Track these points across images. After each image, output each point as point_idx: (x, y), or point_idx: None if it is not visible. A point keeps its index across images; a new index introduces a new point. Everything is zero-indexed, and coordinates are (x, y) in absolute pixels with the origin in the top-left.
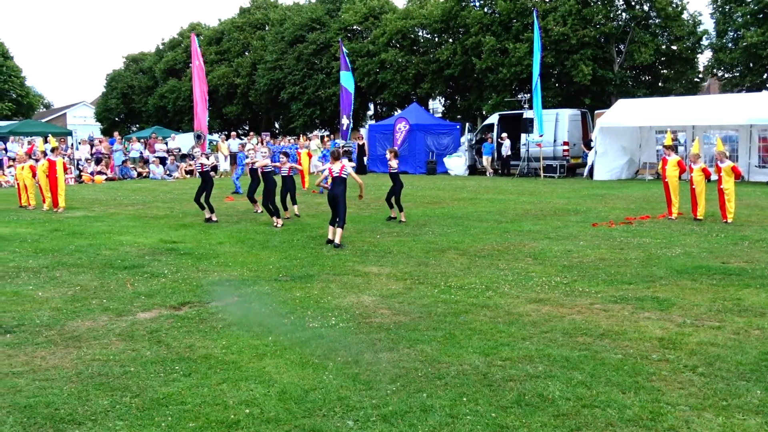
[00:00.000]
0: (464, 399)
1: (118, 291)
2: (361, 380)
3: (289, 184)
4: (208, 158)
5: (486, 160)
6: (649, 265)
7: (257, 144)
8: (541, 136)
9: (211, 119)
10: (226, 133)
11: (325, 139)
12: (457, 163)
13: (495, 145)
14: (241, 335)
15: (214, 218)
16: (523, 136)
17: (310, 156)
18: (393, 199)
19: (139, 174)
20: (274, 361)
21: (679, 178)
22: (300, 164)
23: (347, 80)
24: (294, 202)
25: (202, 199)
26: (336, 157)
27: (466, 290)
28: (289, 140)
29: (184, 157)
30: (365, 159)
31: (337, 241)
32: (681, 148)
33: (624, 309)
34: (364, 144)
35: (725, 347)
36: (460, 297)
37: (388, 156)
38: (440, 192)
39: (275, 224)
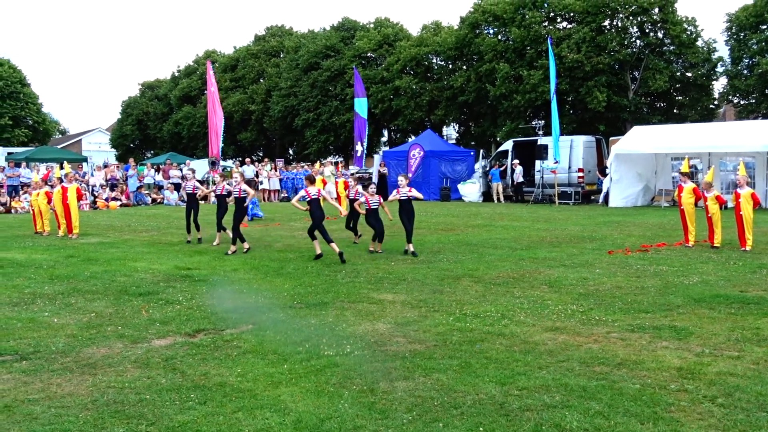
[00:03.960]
0: (481, 429)
1: (133, 318)
2: (377, 409)
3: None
4: (229, 184)
5: (495, 186)
6: (666, 294)
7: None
8: (557, 162)
9: (225, 145)
10: (240, 159)
11: (339, 165)
12: (471, 190)
13: (499, 171)
14: (256, 363)
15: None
16: (538, 162)
17: (324, 183)
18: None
19: (154, 200)
20: (289, 390)
21: (695, 205)
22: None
23: (361, 107)
24: (218, 229)
25: (224, 224)
26: (311, 181)
27: (482, 318)
28: (302, 166)
29: (202, 183)
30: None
31: (317, 251)
32: (699, 175)
33: (641, 338)
34: (386, 171)
35: (745, 377)
36: (476, 325)
37: (400, 181)
38: (454, 219)
39: (243, 249)
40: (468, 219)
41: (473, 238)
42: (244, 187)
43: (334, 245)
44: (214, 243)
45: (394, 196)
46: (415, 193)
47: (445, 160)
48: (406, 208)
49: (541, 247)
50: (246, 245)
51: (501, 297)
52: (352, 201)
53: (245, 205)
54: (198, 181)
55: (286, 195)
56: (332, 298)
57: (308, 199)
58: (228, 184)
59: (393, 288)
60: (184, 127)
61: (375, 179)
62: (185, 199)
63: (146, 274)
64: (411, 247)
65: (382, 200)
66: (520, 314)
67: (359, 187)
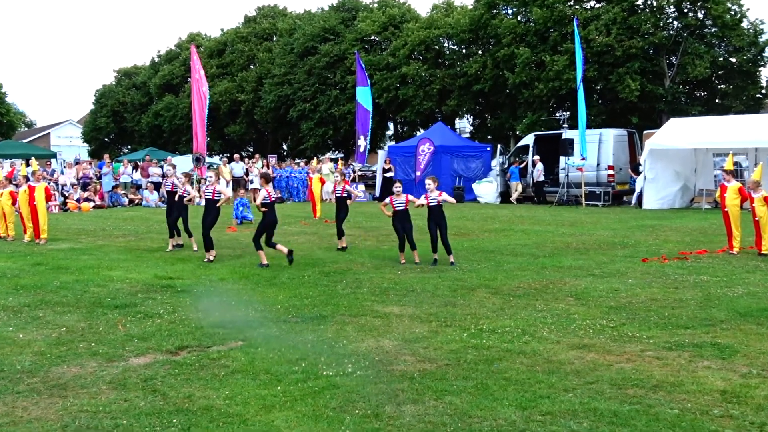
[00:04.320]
0: None
1: (108, 333)
2: None
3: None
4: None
5: (514, 186)
6: (707, 307)
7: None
8: (583, 158)
9: (211, 140)
10: (228, 155)
11: (339, 162)
12: (487, 190)
13: (519, 168)
14: (246, 384)
15: (178, 243)
16: (562, 159)
17: (322, 182)
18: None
19: (131, 201)
20: (283, 414)
21: (741, 207)
22: (311, 191)
23: (364, 96)
24: (171, 234)
25: (183, 225)
26: (267, 180)
27: (500, 334)
28: (298, 163)
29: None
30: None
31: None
32: (745, 173)
33: (680, 357)
34: (391, 169)
35: None
36: (493, 342)
37: (429, 185)
38: (468, 222)
39: (205, 258)
40: (484, 222)
41: (490, 244)
42: (220, 188)
43: (280, 246)
44: (195, 248)
45: (421, 201)
46: (446, 197)
47: (458, 157)
48: (436, 215)
49: (566, 255)
50: (211, 255)
51: (521, 310)
52: (340, 199)
53: (218, 206)
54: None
55: (279, 195)
56: (332, 312)
57: (268, 201)
58: (205, 182)
59: (400, 300)
60: (165, 119)
61: (379, 178)
62: (166, 199)
63: (123, 284)
64: (451, 258)
65: (410, 199)
66: (542, 330)
67: (346, 182)
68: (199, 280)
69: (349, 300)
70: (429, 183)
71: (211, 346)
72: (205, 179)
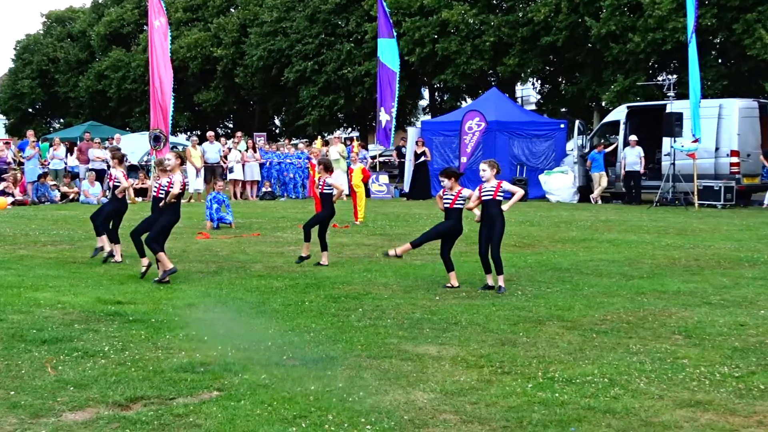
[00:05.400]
0: None
1: (34, 378)
2: None
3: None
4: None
5: (597, 178)
6: None
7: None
8: (696, 140)
9: (176, 112)
10: (199, 133)
11: (354, 143)
12: (560, 183)
13: (605, 154)
14: None
15: (117, 257)
16: (666, 141)
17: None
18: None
19: (64, 196)
20: None
21: None
22: (313, 182)
23: (388, 52)
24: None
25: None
26: (328, 168)
27: (578, 385)
28: (295, 145)
29: (133, 170)
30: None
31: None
32: None
33: None
34: (425, 153)
35: None
36: (569, 396)
37: (484, 171)
38: (534, 228)
39: (142, 267)
40: (556, 229)
41: (564, 260)
42: (176, 178)
43: (144, 260)
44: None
45: (475, 197)
46: (510, 188)
47: (520, 137)
48: (489, 214)
49: (671, 275)
50: (144, 262)
51: (608, 352)
52: (323, 197)
53: (162, 205)
54: (128, 167)
55: (269, 189)
56: (343, 351)
57: (331, 191)
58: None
59: (438, 336)
60: (112, 83)
61: (408, 167)
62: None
63: (54, 311)
64: (500, 281)
65: (461, 194)
66: (638, 380)
67: (365, 172)
68: (158, 305)
69: (368, 335)
70: (485, 169)
71: (176, 397)
72: (154, 165)
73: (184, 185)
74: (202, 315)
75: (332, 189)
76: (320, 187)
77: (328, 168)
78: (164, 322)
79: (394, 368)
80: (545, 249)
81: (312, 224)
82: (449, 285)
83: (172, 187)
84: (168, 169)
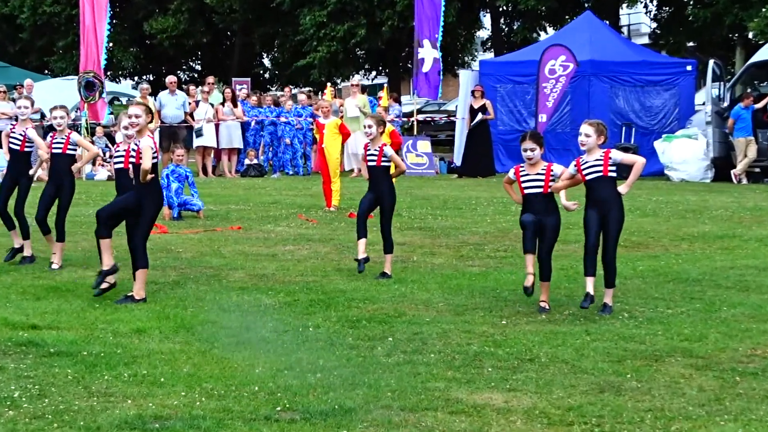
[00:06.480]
0: None
1: None
2: None
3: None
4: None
5: (740, 146)
6: None
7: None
8: None
9: (117, 47)
10: (150, 78)
11: (384, 94)
12: (686, 153)
13: (752, 110)
14: None
15: (26, 251)
16: None
17: (344, 131)
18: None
19: None
20: None
21: None
22: (321, 152)
23: None
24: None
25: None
26: (382, 125)
27: None
28: (294, 97)
29: (49, 132)
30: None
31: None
32: None
33: None
34: (485, 108)
35: None
36: None
37: (585, 138)
38: (649, 220)
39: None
40: (679, 221)
41: (692, 267)
42: (144, 144)
43: (107, 261)
44: (54, 264)
45: (568, 176)
46: (622, 156)
47: (626, 85)
48: (599, 197)
49: None
50: (55, 257)
51: (759, 403)
52: (375, 169)
53: (142, 179)
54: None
55: (255, 160)
56: (365, 400)
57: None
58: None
59: (506, 379)
60: (26, 8)
61: (461, 127)
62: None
63: None
64: (608, 297)
65: (552, 170)
66: None
67: (396, 136)
68: (91, 331)
69: (401, 377)
70: (588, 134)
71: None
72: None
73: (158, 153)
74: (158, 346)
75: (390, 161)
76: (377, 159)
77: (383, 127)
78: (101, 357)
79: (441, 426)
80: (664, 251)
81: (367, 211)
82: (543, 303)
83: (141, 159)
84: (135, 129)
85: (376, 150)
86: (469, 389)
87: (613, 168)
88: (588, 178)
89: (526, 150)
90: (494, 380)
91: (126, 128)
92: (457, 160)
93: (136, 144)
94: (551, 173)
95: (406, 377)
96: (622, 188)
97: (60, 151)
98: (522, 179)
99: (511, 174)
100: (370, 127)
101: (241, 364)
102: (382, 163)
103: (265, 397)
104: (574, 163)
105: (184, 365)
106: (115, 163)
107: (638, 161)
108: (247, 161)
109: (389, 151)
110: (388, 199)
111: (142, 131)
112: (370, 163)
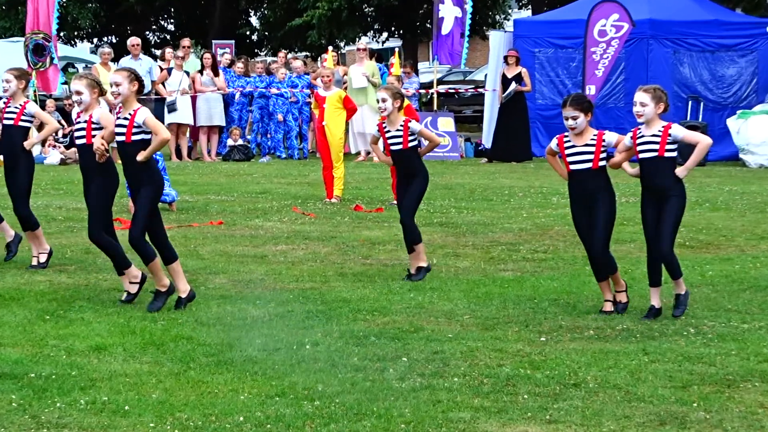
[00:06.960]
0: None
1: None
2: None
3: None
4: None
5: None
6: None
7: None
8: None
9: (72, 4)
10: (113, 41)
11: (396, 61)
12: (767, 133)
13: None
14: None
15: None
16: None
17: (349, 106)
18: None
19: None
20: None
21: None
22: (320, 130)
23: None
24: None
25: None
26: (399, 97)
27: None
28: (287, 64)
29: None
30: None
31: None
32: None
33: None
34: (521, 76)
35: None
36: None
37: (642, 107)
38: (719, 215)
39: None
40: (758, 216)
41: None
42: (99, 115)
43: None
44: (39, 260)
45: (624, 147)
46: (684, 133)
47: (693, 50)
48: (653, 183)
49: None
50: (133, 276)
51: None
52: (398, 153)
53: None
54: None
55: (240, 141)
56: None
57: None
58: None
59: (545, 408)
60: None
61: (490, 100)
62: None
63: None
64: (679, 287)
65: (604, 140)
66: None
67: (411, 111)
68: (40, 349)
69: (418, 405)
70: (644, 102)
71: None
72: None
73: (112, 132)
74: (121, 367)
75: (417, 138)
76: (402, 140)
77: (400, 100)
78: (52, 380)
79: None
80: (739, 252)
81: (413, 207)
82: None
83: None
84: (118, 100)
85: (398, 130)
86: (501, 421)
87: (673, 147)
88: (641, 156)
89: (567, 118)
90: (531, 410)
91: (79, 103)
92: (487, 141)
93: (125, 119)
94: (602, 144)
95: (424, 406)
96: (680, 171)
97: (12, 123)
98: (567, 152)
99: (553, 144)
100: (384, 101)
101: (222, 389)
102: (410, 144)
103: (252, 430)
104: (630, 134)
105: (154, 390)
106: (77, 137)
107: (703, 140)
108: (230, 142)
109: (416, 126)
110: (421, 182)
111: (90, 105)
112: (394, 147)
